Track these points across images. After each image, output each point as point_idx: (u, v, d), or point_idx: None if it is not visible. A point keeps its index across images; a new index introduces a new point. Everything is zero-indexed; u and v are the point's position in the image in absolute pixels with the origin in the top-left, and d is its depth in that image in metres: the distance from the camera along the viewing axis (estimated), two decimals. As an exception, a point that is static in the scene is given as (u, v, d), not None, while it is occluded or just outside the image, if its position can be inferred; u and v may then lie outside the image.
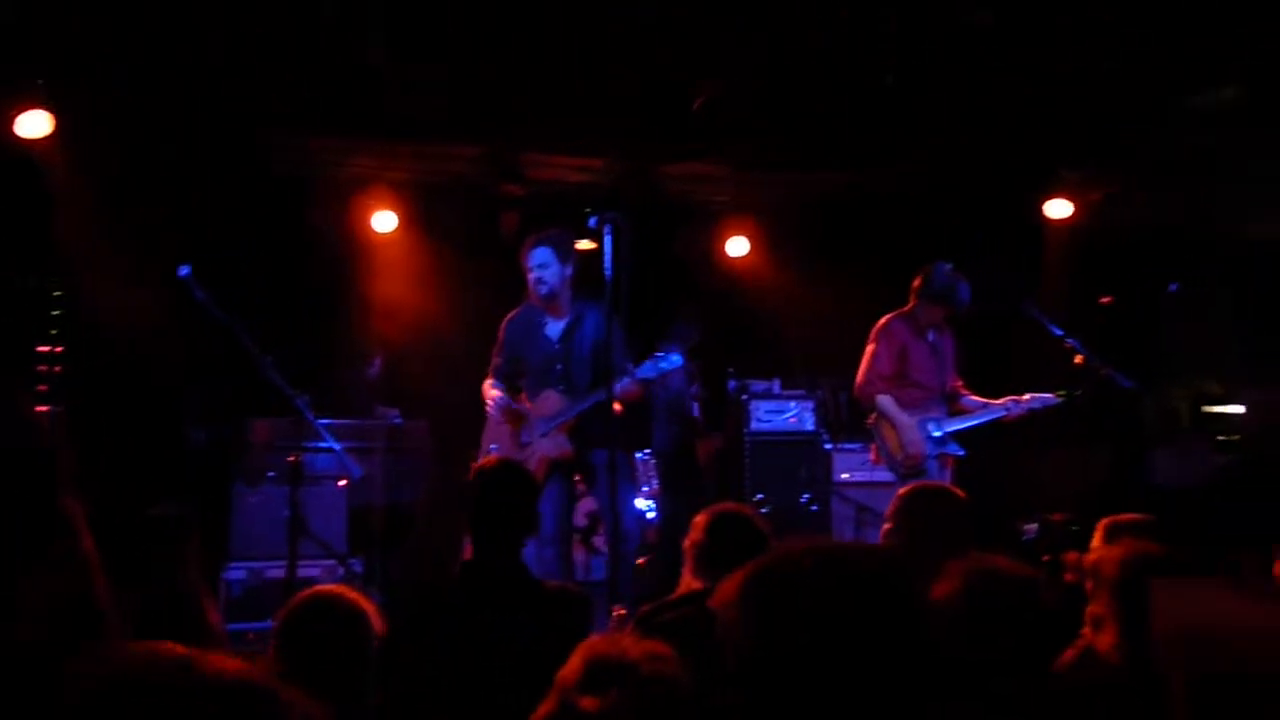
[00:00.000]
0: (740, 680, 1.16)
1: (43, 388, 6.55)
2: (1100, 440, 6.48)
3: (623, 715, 1.54)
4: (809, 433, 7.01)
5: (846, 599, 1.14)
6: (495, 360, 5.07)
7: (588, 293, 4.93)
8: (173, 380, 6.15)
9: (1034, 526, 5.58)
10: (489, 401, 4.92)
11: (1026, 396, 5.36)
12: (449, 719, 2.72)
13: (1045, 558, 4.60)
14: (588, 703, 1.53)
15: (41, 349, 6.69)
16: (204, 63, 5.24)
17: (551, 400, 4.85)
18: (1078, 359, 5.10)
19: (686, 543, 3.05)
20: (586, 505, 6.35)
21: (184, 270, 4.23)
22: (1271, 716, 1.35)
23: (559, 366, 4.87)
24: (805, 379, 7.38)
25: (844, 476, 6.84)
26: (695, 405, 6.98)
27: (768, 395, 7.04)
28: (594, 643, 1.68)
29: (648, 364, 4.64)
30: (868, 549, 1.23)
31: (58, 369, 6.62)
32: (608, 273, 4.16)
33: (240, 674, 0.84)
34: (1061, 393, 5.37)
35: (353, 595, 2.35)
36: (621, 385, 4.51)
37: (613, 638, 1.72)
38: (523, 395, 5.05)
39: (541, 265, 4.77)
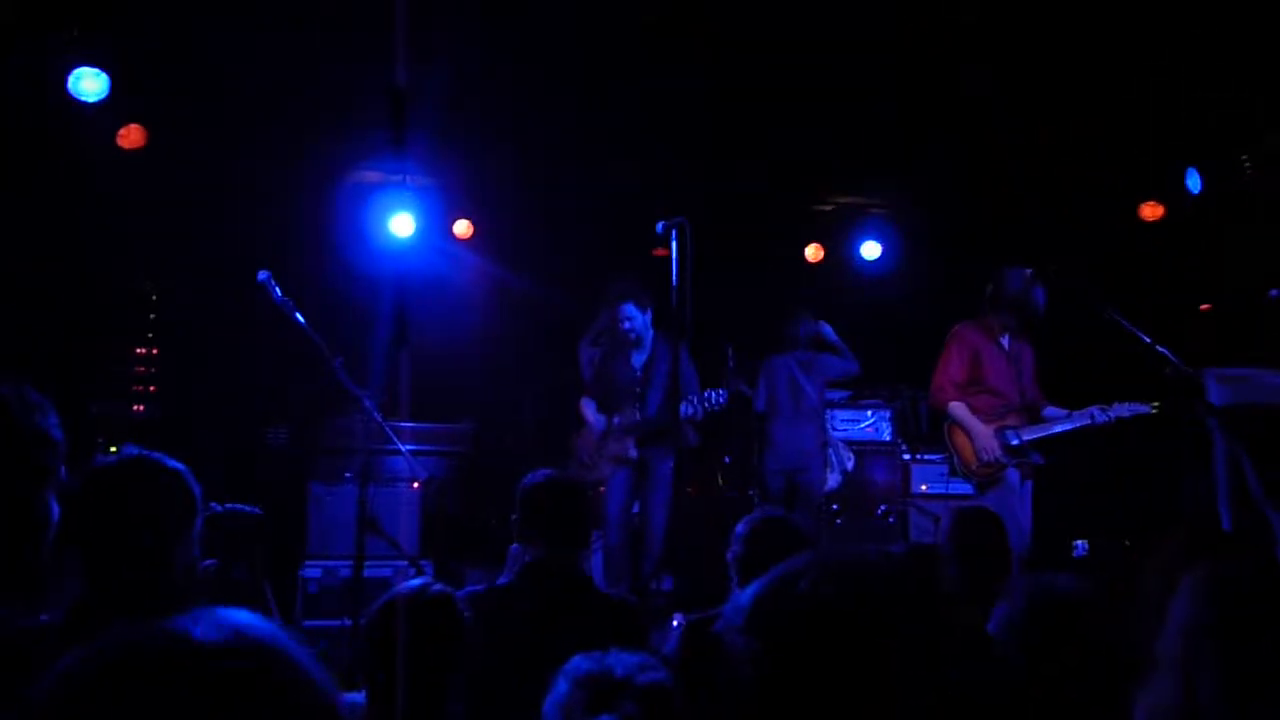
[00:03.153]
0: (748, 710, 1.09)
1: (138, 388, 6.87)
2: (1191, 458, 6.16)
3: None
4: (886, 442, 6.86)
5: (862, 613, 1.05)
6: (587, 380, 6.09)
7: (666, 327, 5.64)
8: (253, 381, 6.34)
9: (1082, 544, 5.33)
10: (589, 421, 5.97)
11: (1115, 405, 5.09)
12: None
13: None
14: None
15: (139, 351, 7.00)
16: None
17: (629, 415, 5.88)
18: (1167, 370, 4.83)
19: (729, 553, 3.02)
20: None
21: (263, 275, 4.33)
22: None
23: (638, 390, 5.85)
24: (884, 388, 7.23)
25: (923, 488, 6.67)
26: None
27: (843, 404, 6.91)
28: (576, 665, 1.64)
29: (709, 394, 5.54)
30: (884, 556, 1.11)
31: (153, 370, 6.91)
32: (674, 278, 4.17)
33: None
34: (1155, 405, 5.10)
35: (448, 599, 2.34)
36: (685, 409, 5.35)
37: (594, 656, 1.66)
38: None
39: (629, 318, 5.75)
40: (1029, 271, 5.15)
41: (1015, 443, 5.08)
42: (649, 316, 5.79)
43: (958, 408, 5.15)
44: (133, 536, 1.93)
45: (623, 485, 5.79)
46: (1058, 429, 5.11)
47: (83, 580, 1.89)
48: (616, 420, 5.87)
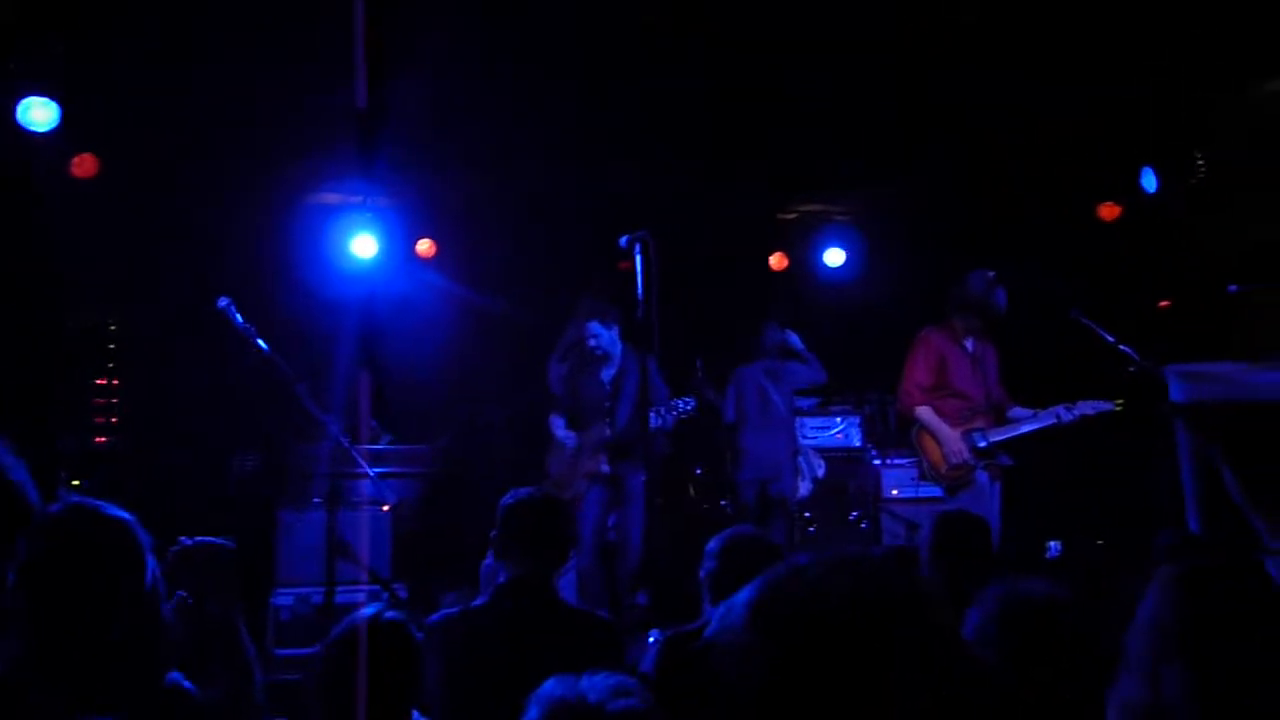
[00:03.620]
0: (750, 712, 1.06)
1: (101, 420, 6.75)
2: (1158, 455, 6.22)
3: None
4: (856, 448, 6.88)
5: (866, 606, 1.04)
6: (557, 395, 6.05)
7: (634, 340, 5.72)
8: (218, 409, 6.25)
9: (1056, 545, 5.37)
10: (559, 438, 5.94)
11: (1079, 403, 5.12)
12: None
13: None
14: None
15: (100, 382, 6.89)
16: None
17: (599, 431, 5.84)
18: (1130, 367, 4.88)
19: (702, 571, 3.01)
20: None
21: (223, 301, 4.28)
22: None
23: (607, 404, 5.84)
24: (852, 394, 7.26)
25: (893, 492, 6.69)
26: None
27: (812, 411, 6.92)
28: (548, 692, 1.60)
29: (669, 407, 5.51)
30: (881, 554, 1.10)
31: (114, 401, 6.81)
32: (639, 291, 4.17)
33: None
34: (1119, 402, 5.14)
35: (402, 626, 2.32)
36: (653, 420, 5.28)
37: (568, 681, 1.64)
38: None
39: (594, 335, 5.77)
40: (991, 274, 5.21)
41: (983, 444, 5.12)
42: (615, 332, 5.81)
43: (924, 412, 5.18)
44: (75, 589, 1.88)
45: (597, 502, 5.79)
46: (1024, 429, 5.14)
47: (24, 633, 1.83)
48: (587, 436, 5.83)
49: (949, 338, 5.29)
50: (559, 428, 5.97)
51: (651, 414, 5.19)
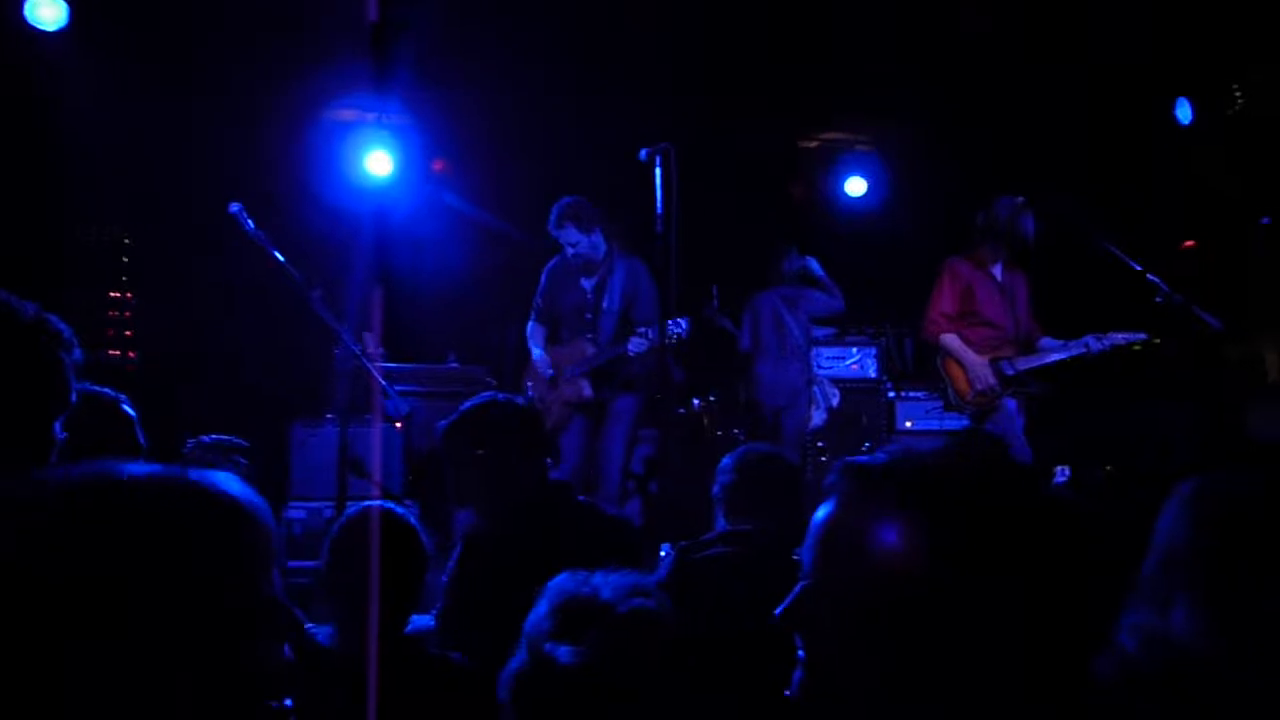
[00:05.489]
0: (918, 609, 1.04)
1: (113, 333, 6.75)
2: (1184, 388, 6.13)
3: (602, 660, 1.40)
4: (871, 380, 6.83)
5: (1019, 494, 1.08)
6: (536, 303, 5.52)
7: (626, 241, 5.31)
8: (231, 321, 6.23)
9: (1064, 470, 5.33)
10: (533, 354, 5.42)
11: (1110, 333, 5.01)
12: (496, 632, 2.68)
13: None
14: (563, 652, 1.40)
15: (113, 295, 6.86)
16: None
17: (580, 348, 5.29)
18: (1157, 298, 4.78)
19: (716, 487, 2.97)
20: (644, 451, 6.28)
21: (234, 207, 4.22)
22: None
23: (588, 316, 5.30)
24: (869, 325, 7.19)
25: (907, 425, 6.65)
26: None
27: (828, 341, 6.86)
28: (560, 585, 1.53)
29: (655, 329, 4.80)
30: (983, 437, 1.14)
31: (128, 315, 6.79)
32: (658, 207, 4.07)
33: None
34: (1155, 339, 5.05)
35: (400, 514, 2.33)
36: (634, 345, 4.93)
37: (581, 576, 1.57)
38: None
39: (572, 243, 5.19)
40: (1019, 200, 5.09)
41: (1010, 373, 5.06)
42: (597, 236, 5.25)
43: (950, 339, 5.11)
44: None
45: (579, 433, 5.27)
46: (1052, 358, 5.07)
47: None
48: (567, 352, 5.31)
49: (976, 266, 5.20)
50: (535, 345, 5.46)
51: (634, 339, 4.91)
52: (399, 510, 2.31)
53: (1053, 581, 1.06)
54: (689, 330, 4.85)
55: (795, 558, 1.16)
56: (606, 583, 1.58)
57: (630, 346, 4.96)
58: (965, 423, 5.14)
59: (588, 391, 5.20)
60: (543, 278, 5.53)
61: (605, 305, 5.27)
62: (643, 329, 4.95)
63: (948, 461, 1.10)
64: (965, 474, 1.09)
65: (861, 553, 1.08)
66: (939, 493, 1.07)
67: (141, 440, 2.46)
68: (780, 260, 6.39)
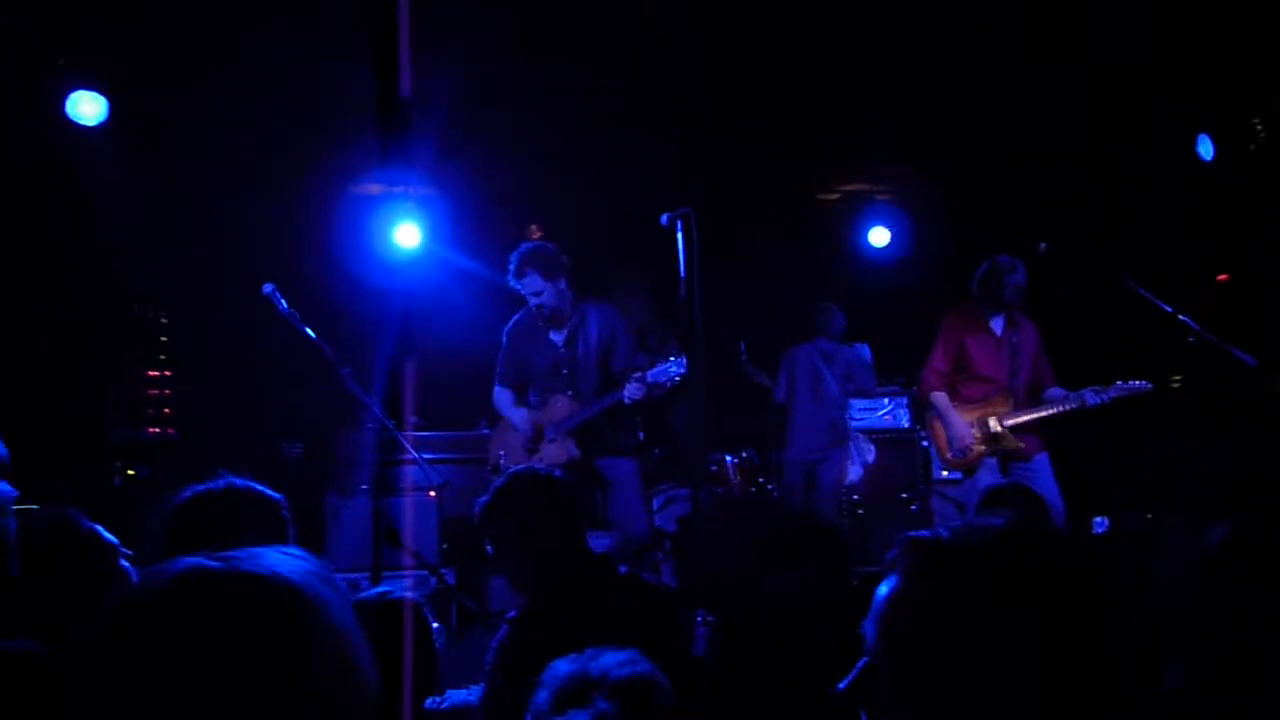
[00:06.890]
0: (923, 669, 1.09)
1: (152, 411, 6.87)
2: (1221, 427, 6.03)
3: None
4: (905, 430, 6.78)
5: (1034, 570, 1.11)
6: (499, 368, 5.19)
7: (589, 291, 5.09)
8: (264, 396, 6.32)
9: (1103, 521, 5.25)
10: (506, 417, 5.09)
11: (1114, 385, 4.93)
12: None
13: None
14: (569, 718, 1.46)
15: (152, 374, 7.00)
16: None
17: (560, 406, 4.94)
18: (1190, 338, 4.71)
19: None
20: (677, 510, 6.25)
21: (268, 288, 4.31)
22: None
23: (565, 371, 4.97)
24: (900, 375, 7.16)
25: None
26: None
27: (861, 393, 6.84)
28: (555, 668, 1.61)
29: (659, 368, 4.59)
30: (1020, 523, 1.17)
31: (168, 392, 6.92)
32: (681, 270, 4.12)
33: None
34: (1172, 380, 4.99)
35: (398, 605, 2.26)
36: (630, 391, 4.60)
37: (574, 657, 1.63)
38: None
39: (536, 292, 4.85)
40: (1004, 260, 5.10)
41: (995, 430, 5.05)
42: (563, 283, 4.88)
43: (939, 398, 5.19)
44: None
45: None
46: (1041, 413, 5.05)
47: None
48: (545, 413, 4.96)
49: (972, 321, 5.21)
50: (505, 404, 5.09)
51: (630, 385, 4.55)
52: (395, 596, 2.26)
53: (1085, 651, 1.09)
54: (686, 371, 4.53)
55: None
56: (598, 659, 1.63)
57: (626, 394, 4.58)
58: (997, 472, 5.06)
59: (575, 451, 4.84)
60: (504, 339, 5.15)
61: (581, 356, 4.92)
62: (638, 374, 4.59)
63: (1009, 542, 1.12)
64: (1029, 557, 1.11)
65: (926, 630, 1.09)
66: (1005, 576, 1.09)
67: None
68: (819, 315, 6.43)
